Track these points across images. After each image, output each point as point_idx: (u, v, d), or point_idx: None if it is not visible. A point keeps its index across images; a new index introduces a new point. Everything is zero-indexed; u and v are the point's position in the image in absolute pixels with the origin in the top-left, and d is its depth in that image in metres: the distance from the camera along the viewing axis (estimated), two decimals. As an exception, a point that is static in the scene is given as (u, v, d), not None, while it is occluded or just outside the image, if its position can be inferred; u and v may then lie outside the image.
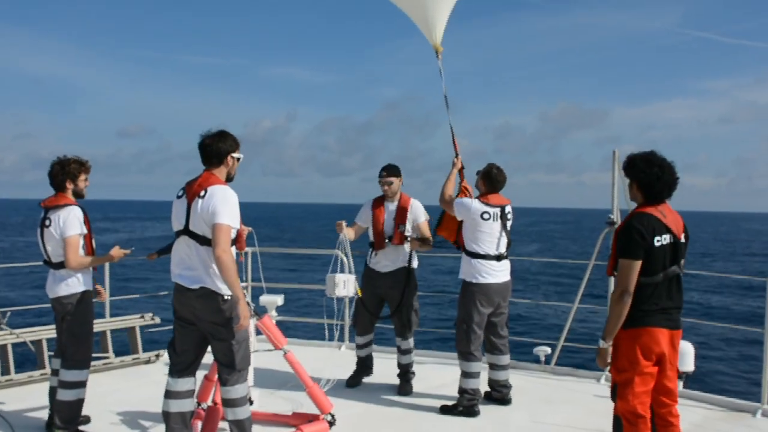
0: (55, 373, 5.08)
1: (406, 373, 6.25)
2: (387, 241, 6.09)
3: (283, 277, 29.46)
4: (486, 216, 5.57)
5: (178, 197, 4.32)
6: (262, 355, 5.54)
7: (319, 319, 6.50)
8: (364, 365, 6.43)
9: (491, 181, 5.70)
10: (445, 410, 5.66)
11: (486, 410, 5.69)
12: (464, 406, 5.59)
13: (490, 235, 5.59)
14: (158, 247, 5.34)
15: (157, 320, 7.42)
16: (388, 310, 6.31)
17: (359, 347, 6.39)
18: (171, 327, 4.50)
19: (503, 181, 5.74)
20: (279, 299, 6.00)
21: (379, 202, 6.23)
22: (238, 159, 4.42)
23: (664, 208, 3.97)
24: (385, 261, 6.15)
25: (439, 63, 6.27)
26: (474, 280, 5.60)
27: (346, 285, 5.83)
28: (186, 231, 4.22)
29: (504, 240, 5.67)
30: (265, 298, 5.95)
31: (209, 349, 4.42)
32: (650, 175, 3.92)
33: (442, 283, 28.46)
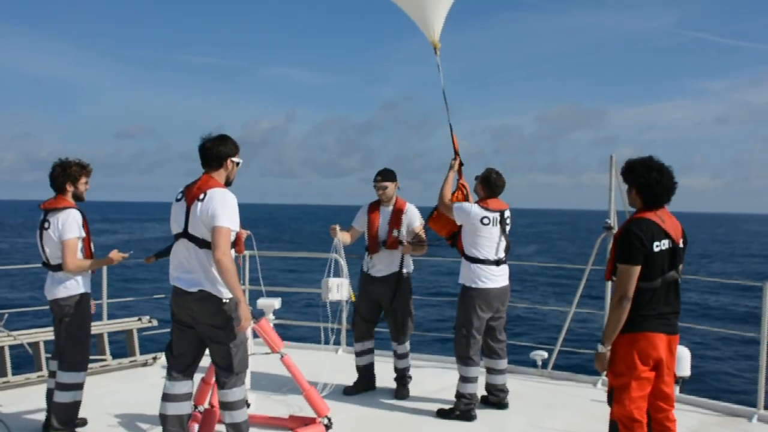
0: (52, 375, 5.08)
1: (402, 377, 6.24)
2: (381, 245, 6.09)
3: (282, 278, 29.48)
4: (486, 221, 5.57)
5: (177, 200, 4.32)
6: (259, 358, 5.54)
7: (317, 322, 6.50)
8: (365, 377, 6.35)
9: (490, 185, 5.70)
10: (442, 414, 5.66)
11: (483, 414, 5.69)
12: (461, 410, 5.60)
13: (489, 240, 5.60)
14: (157, 249, 5.34)
15: (155, 323, 7.43)
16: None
17: (357, 354, 6.35)
18: (169, 330, 4.50)
19: (502, 185, 5.74)
20: (276, 302, 6.01)
21: (374, 207, 6.23)
22: (238, 164, 4.44)
23: (663, 214, 3.98)
24: (380, 265, 6.14)
25: (437, 59, 6.28)
26: (473, 285, 5.61)
27: (339, 289, 5.84)
28: (185, 234, 4.22)
29: (503, 244, 5.68)
30: (262, 302, 5.96)
31: (206, 351, 4.42)
32: (649, 180, 3.92)
33: (441, 284, 28.49)
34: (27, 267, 8.18)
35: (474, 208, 5.60)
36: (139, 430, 5.23)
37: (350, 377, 6.39)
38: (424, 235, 6.13)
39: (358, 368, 6.35)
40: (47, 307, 5.14)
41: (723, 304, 25.50)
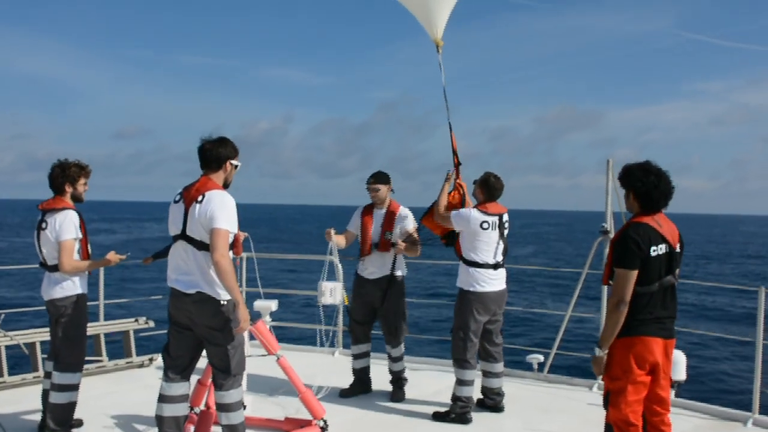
0: (48, 375, 5.08)
1: (398, 380, 6.24)
2: (373, 247, 6.09)
3: (281, 278, 29.45)
4: (485, 225, 5.57)
5: (176, 202, 4.32)
6: (255, 360, 5.55)
7: (314, 324, 6.51)
8: (361, 380, 6.35)
9: (489, 189, 5.69)
10: (437, 417, 5.66)
11: (478, 417, 5.69)
12: (457, 413, 5.60)
13: (488, 244, 5.60)
14: (155, 249, 5.33)
15: (151, 324, 7.41)
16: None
17: (353, 357, 6.35)
18: (165, 331, 4.50)
19: (501, 189, 5.74)
20: (273, 304, 6.01)
21: (368, 210, 6.24)
22: (236, 166, 4.44)
23: (660, 218, 3.99)
24: (372, 268, 6.14)
25: (439, 58, 6.26)
26: (471, 289, 5.61)
27: (333, 293, 5.85)
28: (183, 236, 4.23)
29: (501, 248, 5.68)
30: (259, 304, 5.96)
31: (203, 353, 4.42)
32: (647, 184, 3.93)
33: (439, 285, 28.49)
34: (24, 267, 8.17)
35: (473, 213, 5.60)
36: (135, 432, 5.23)
37: (347, 380, 6.39)
38: (417, 236, 6.12)
39: (354, 371, 6.35)
40: (44, 308, 5.13)
41: (720, 305, 25.52)
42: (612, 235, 6.27)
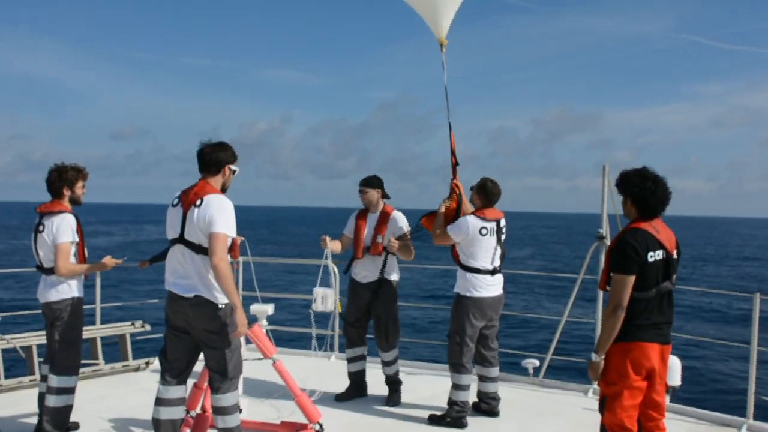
0: (44, 378, 5.07)
1: (393, 383, 6.24)
2: (365, 251, 6.10)
3: (278, 280, 29.43)
4: (484, 231, 5.58)
5: (174, 205, 4.33)
6: (251, 364, 5.55)
7: (310, 328, 6.51)
8: (357, 384, 6.35)
9: (487, 194, 5.69)
10: (433, 420, 5.67)
11: (474, 422, 5.69)
12: (452, 417, 5.60)
13: (485, 249, 5.61)
14: (152, 252, 5.33)
15: (148, 327, 7.41)
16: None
17: (348, 361, 6.35)
18: (161, 334, 4.51)
19: (498, 194, 5.73)
20: (269, 308, 6.01)
21: (363, 213, 6.26)
22: (234, 171, 4.46)
23: (658, 224, 3.99)
24: (364, 272, 6.15)
25: (443, 57, 6.26)
26: (468, 294, 5.61)
27: (324, 300, 5.87)
28: (181, 239, 4.23)
29: (498, 253, 5.69)
30: (255, 307, 5.96)
31: (199, 356, 4.43)
32: (644, 190, 3.94)
33: (435, 287, 28.51)
34: (21, 270, 8.15)
35: (470, 221, 5.58)
36: (132, 435, 5.23)
37: (342, 383, 6.40)
38: (409, 237, 6.11)
39: (350, 374, 6.35)
40: (40, 311, 5.13)
41: (716, 307, 25.56)
42: (608, 241, 6.29)
